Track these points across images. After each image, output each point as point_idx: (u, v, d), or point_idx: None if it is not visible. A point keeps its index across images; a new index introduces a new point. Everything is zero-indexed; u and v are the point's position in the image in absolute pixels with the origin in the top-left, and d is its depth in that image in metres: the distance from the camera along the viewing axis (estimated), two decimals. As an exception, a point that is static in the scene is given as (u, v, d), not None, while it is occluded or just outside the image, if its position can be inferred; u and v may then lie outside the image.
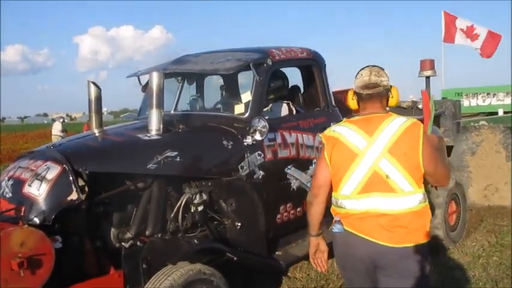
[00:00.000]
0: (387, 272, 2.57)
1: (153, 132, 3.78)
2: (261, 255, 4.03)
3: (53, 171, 3.27)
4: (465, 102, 10.96)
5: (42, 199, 3.20)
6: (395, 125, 2.60)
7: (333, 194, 2.73)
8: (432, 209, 5.20)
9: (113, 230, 3.69)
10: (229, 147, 3.91)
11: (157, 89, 3.76)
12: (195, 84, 4.98)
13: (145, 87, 4.89)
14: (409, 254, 2.54)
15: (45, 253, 3.00)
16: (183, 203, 3.76)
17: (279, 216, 4.22)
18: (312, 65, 4.71)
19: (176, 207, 3.75)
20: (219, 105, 4.83)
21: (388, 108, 2.79)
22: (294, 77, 5.04)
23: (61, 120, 19.02)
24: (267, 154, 4.10)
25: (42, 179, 3.26)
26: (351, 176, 2.61)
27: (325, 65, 4.77)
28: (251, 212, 3.97)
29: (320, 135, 2.86)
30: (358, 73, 2.74)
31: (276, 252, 4.28)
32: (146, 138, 3.72)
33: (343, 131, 2.69)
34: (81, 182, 3.38)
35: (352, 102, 2.80)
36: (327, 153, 2.69)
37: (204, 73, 4.33)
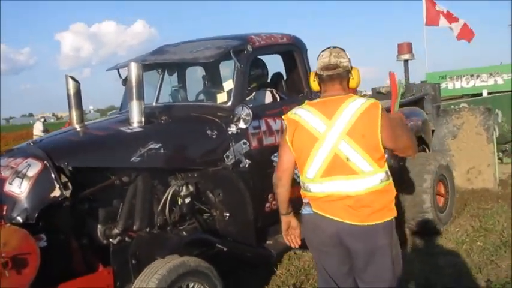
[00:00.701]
0: (356, 249, 2.65)
1: (135, 125, 3.70)
2: (251, 245, 3.99)
3: (33, 168, 3.17)
4: (449, 85, 11.00)
5: (24, 197, 3.10)
6: (354, 106, 2.62)
7: (300, 177, 2.78)
8: (419, 195, 5.29)
9: (99, 226, 3.59)
10: (214, 136, 3.85)
11: (137, 80, 3.67)
12: (176, 75, 4.90)
13: (126, 81, 4.79)
14: (375, 231, 2.61)
15: (30, 252, 2.92)
16: (169, 195, 3.69)
17: (267, 204, 4.18)
18: (293, 51, 4.67)
19: (163, 200, 3.68)
20: (202, 95, 4.75)
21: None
22: (276, 64, 4.99)
23: (42, 119, 18.88)
24: (252, 142, 4.05)
25: (23, 176, 3.15)
26: (313, 160, 2.65)
27: (306, 50, 4.73)
28: (239, 202, 3.92)
29: (283, 116, 2.88)
30: (319, 55, 2.76)
31: (267, 242, 4.24)
32: (128, 131, 3.63)
33: (303, 114, 2.72)
34: (64, 178, 3.29)
35: (313, 84, 2.83)
36: (288, 137, 2.74)
37: (183, 62, 4.26)
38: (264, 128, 4.14)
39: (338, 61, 2.69)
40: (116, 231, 3.57)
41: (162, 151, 3.56)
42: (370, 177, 2.61)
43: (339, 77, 2.70)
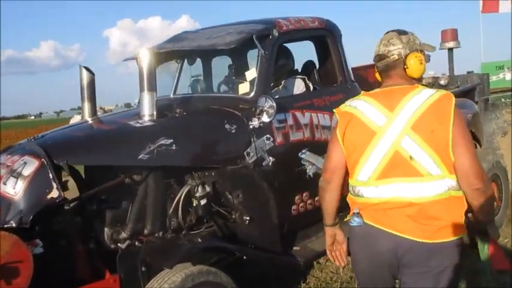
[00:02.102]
0: (414, 270, 2.23)
1: (146, 118, 3.36)
2: (275, 251, 3.58)
3: (29, 166, 2.88)
4: (507, 76, 10.12)
5: (18, 198, 2.83)
6: (421, 97, 2.22)
7: (349, 180, 2.38)
8: None
9: (106, 229, 3.32)
10: (233, 131, 3.45)
11: (148, 69, 3.33)
12: (200, 64, 4.53)
13: None
14: (442, 250, 2.19)
15: (22, 260, 2.64)
16: (182, 196, 3.34)
17: (294, 207, 3.75)
18: (326, 36, 4.19)
19: (175, 202, 3.33)
20: (224, 86, 4.36)
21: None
22: (309, 51, 4.55)
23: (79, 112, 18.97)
24: (277, 138, 3.62)
25: (18, 175, 2.87)
26: (368, 158, 2.25)
27: (341, 35, 4.24)
28: (261, 204, 3.52)
29: (334, 110, 2.49)
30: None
31: (294, 248, 3.82)
32: (137, 125, 3.29)
33: (359, 106, 2.33)
34: (65, 177, 3.00)
35: (377, 75, 2.44)
36: (339, 132, 2.35)
37: (201, 49, 3.87)
38: (290, 121, 3.71)
39: (386, 50, 2.31)
40: (124, 235, 3.29)
41: (173, 148, 3.20)
42: (437, 182, 2.18)
43: (391, 68, 2.32)
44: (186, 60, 4.24)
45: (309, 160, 3.77)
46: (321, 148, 3.81)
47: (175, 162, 3.25)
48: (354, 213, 2.34)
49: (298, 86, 4.15)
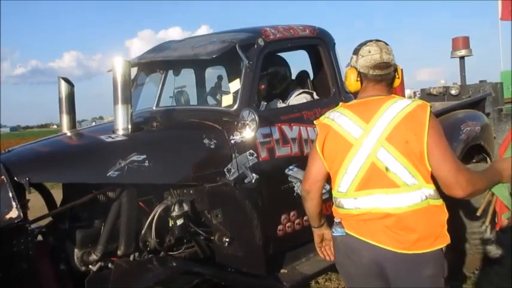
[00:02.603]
0: (395, 282, 2.24)
1: (119, 133, 3.16)
2: (258, 275, 3.34)
3: (-12, 184, 2.69)
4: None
5: None
6: (397, 108, 2.23)
7: (332, 191, 2.42)
8: (478, 224, 4.39)
9: (76, 250, 3.11)
10: (212, 146, 3.23)
11: (122, 80, 3.12)
12: (188, 75, 4.34)
13: (132, 83, 4.31)
14: (422, 261, 2.19)
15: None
16: (156, 216, 3.13)
17: (280, 227, 3.50)
18: (318, 45, 3.96)
19: (148, 222, 3.12)
20: (210, 98, 4.15)
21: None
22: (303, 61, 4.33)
23: (93, 123, 19.11)
24: (261, 153, 3.39)
25: (-25, 194, 2.68)
26: (346, 171, 2.29)
27: (334, 43, 4.01)
28: (243, 224, 3.29)
29: (315, 122, 2.52)
30: (361, 49, 2.36)
31: (281, 271, 3.58)
32: (109, 140, 3.09)
33: (336, 118, 2.36)
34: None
35: (355, 84, 2.40)
36: (318, 144, 2.39)
37: (182, 60, 3.67)
38: (276, 136, 3.47)
39: (390, 58, 2.32)
40: (93, 257, 3.07)
41: (146, 164, 2.99)
42: (414, 192, 2.18)
43: (388, 77, 2.34)
44: (170, 71, 4.03)
45: (297, 177, 3.53)
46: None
47: (147, 179, 3.04)
48: (335, 222, 2.37)
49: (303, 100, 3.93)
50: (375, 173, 2.21)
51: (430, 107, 2.22)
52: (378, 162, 2.21)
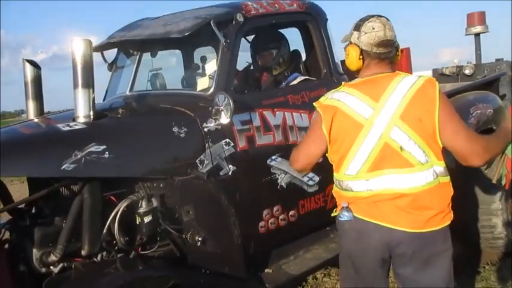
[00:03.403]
0: (408, 261, 2.21)
1: (80, 120, 2.85)
2: (238, 276, 3.02)
3: None
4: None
5: None
6: (406, 85, 2.19)
7: (335, 174, 2.34)
8: (489, 218, 4.18)
9: (34, 250, 2.82)
10: (182, 135, 2.89)
11: (83, 61, 2.80)
12: (163, 56, 4.00)
13: (112, 65, 4.00)
14: (434, 238, 2.19)
15: None
16: (119, 212, 2.82)
17: (262, 223, 3.17)
18: (307, 21, 3.58)
19: (110, 219, 2.82)
20: (188, 81, 3.79)
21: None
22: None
23: None
24: (239, 142, 3.05)
25: None
26: (357, 152, 2.21)
27: (326, 19, 3.63)
28: (218, 221, 2.97)
29: (315, 103, 2.38)
30: (363, 25, 2.26)
31: (265, 270, 3.27)
32: (66, 129, 2.78)
33: (342, 98, 2.26)
34: None
35: (357, 62, 2.30)
36: (325, 127, 2.26)
37: (152, 38, 3.33)
38: (257, 122, 3.13)
39: (393, 35, 2.26)
40: (53, 257, 2.79)
41: (105, 156, 2.68)
42: (427, 171, 2.17)
43: (390, 55, 2.28)
44: (144, 52, 3.69)
45: (281, 168, 3.20)
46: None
47: (107, 173, 2.73)
48: (342, 207, 2.27)
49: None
50: (388, 153, 2.17)
51: (437, 80, 2.22)
52: (391, 142, 2.16)
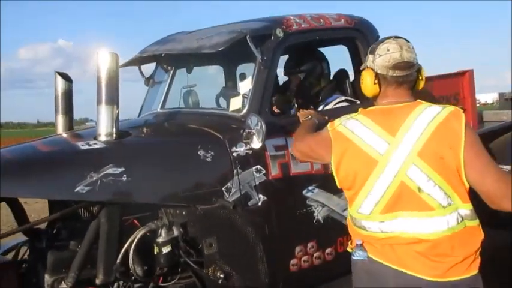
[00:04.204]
0: None
1: (101, 139, 2.66)
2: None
3: None
4: None
5: None
6: (427, 117, 2.01)
7: (349, 209, 2.19)
8: None
9: (46, 276, 2.66)
10: (208, 159, 2.64)
11: (108, 76, 2.63)
12: (210, 73, 3.80)
13: (149, 80, 3.83)
14: None
15: None
16: (135, 241, 2.60)
17: (293, 261, 2.85)
18: (356, 38, 3.26)
19: (124, 248, 2.59)
20: (223, 99, 3.54)
21: None
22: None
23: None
24: (272, 169, 2.76)
25: None
26: (370, 191, 2.04)
27: (377, 36, 3.29)
28: (243, 256, 2.71)
29: (328, 126, 2.22)
30: (378, 47, 2.12)
31: (294, 314, 2.94)
32: (84, 147, 2.60)
33: (356, 129, 2.10)
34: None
35: (372, 88, 2.14)
36: (334, 158, 2.13)
37: (185, 53, 3.10)
38: (293, 148, 2.83)
39: (411, 57, 2.09)
40: (63, 285, 2.60)
41: (123, 179, 2.47)
42: (450, 215, 1.97)
43: (409, 79, 2.10)
44: (179, 67, 3.49)
45: (318, 200, 2.89)
46: (335, 184, 2.92)
47: (124, 198, 2.51)
48: (357, 245, 2.12)
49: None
50: (404, 193, 1.99)
51: (464, 111, 2.03)
52: (408, 182, 1.98)
